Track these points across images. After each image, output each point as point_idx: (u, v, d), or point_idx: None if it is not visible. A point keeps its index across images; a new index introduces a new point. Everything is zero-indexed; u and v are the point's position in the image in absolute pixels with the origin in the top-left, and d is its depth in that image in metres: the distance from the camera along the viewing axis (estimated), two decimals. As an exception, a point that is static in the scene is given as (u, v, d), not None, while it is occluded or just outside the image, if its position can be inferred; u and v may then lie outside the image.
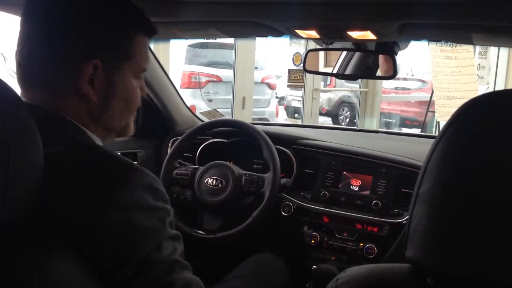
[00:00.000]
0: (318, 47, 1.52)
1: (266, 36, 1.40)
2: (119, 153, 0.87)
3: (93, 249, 0.71)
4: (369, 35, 1.19)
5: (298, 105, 7.26)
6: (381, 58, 1.51)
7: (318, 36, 1.28)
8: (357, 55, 1.63)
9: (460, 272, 0.57)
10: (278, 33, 1.32)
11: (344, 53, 1.65)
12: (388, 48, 1.37)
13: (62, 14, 0.81)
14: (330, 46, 1.45)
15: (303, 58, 1.61)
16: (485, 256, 0.55)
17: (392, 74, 1.43)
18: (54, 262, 0.68)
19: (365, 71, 1.69)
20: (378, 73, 1.57)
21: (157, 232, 0.75)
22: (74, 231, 0.71)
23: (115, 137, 0.95)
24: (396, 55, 1.39)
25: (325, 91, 8.78)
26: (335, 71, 1.72)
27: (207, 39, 5.76)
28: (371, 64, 1.60)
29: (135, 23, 0.87)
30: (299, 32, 1.25)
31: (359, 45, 1.43)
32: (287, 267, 1.57)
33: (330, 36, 1.28)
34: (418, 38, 1.30)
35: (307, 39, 1.37)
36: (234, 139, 1.87)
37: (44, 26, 0.81)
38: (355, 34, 1.21)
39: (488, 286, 0.56)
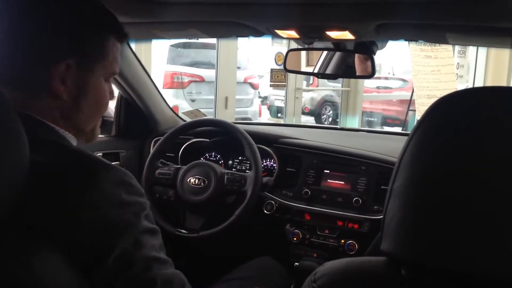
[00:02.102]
0: (299, 47, 1.54)
1: (247, 36, 1.42)
2: (100, 153, 0.88)
3: (73, 247, 0.72)
4: (347, 35, 1.21)
5: (281, 104, 7.29)
6: (357, 59, 1.53)
7: (297, 36, 1.30)
8: (337, 54, 1.65)
9: (432, 263, 0.59)
10: (258, 33, 1.34)
11: (325, 52, 1.68)
12: (366, 48, 1.40)
13: (38, 13, 0.81)
14: (311, 46, 1.47)
15: (284, 58, 1.62)
16: (455, 248, 0.57)
17: (370, 73, 1.45)
18: (42, 259, 0.69)
19: (345, 70, 1.71)
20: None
21: (132, 227, 0.76)
22: (53, 229, 0.71)
23: (85, 141, 0.94)
24: (374, 54, 1.41)
25: (308, 91, 8.82)
26: (316, 71, 1.74)
27: (189, 39, 5.75)
28: (351, 63, 1.63)
29: (109, 27, 0.88)
30: (279, 32, 1.27)
31: (338, 44, 1.45)
32: (286, 272, 1.58)
33: (310, 36, 1.30)
34: (394, 38, 1.32)
35: (288, 39, 1.39)
36: (216, 139, 1.88)
37: (17, 26, 0.80)
38: (333, 34, 1.23)
39: (459, 277, 0.58)
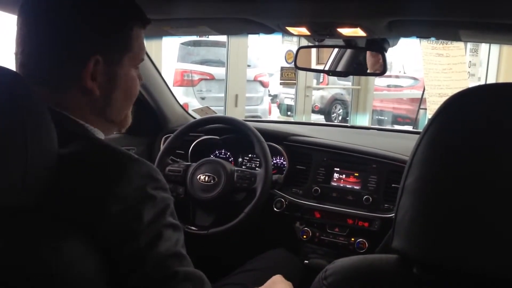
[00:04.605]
0: (309, 44, 1.53)
1: (257, 33, 1.41)
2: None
3: (100, 237, 0.73)
4: (358, 32, 1.21)
5: (291, 102, 7.27)
6: (368, 55, 1.52)
7: (308, 33, 1.29)
8: (348, 52, 1.64)
9: (444, 262, 0.58)
10: (269, 30, 1.33)
11: (336, 50, 1.67)
12: (377, 45, 1.39)
13: (62, 13, 0.82)
14: (322, 43, 1.46)
15: (294, 56, 1.62)
16: (468, 247, 0.56)
17: (382, 70, 1.44)
18: (70, 245, 0.71)
19: (356, 68, 1.70)
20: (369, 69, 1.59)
21: (157, 222, 0.77)
22: (82, 219, 0.73)
23: (117, 129, 0.98)
24: (385, 51, 1.40)
25: (318, 89, 8.79)
26: (326, 68, 1.73)
27: (199, 36, 5.76)
28: (362, 61, 1.62)
29: (132, 16, 0.89)
30: (289, 29, 1.26)
31: (349, 42, 1.44)
32: (301, 264, 1.58)
33: (321, 33, 1.29)
34: (406, 35, 1.31)
35: (298, 36, 1.38)
36: (226, 136, 1.88)
37: (44, 26, 0.82)
38: (345, 31, 1.22)
39: (471, 276, 0.58)
